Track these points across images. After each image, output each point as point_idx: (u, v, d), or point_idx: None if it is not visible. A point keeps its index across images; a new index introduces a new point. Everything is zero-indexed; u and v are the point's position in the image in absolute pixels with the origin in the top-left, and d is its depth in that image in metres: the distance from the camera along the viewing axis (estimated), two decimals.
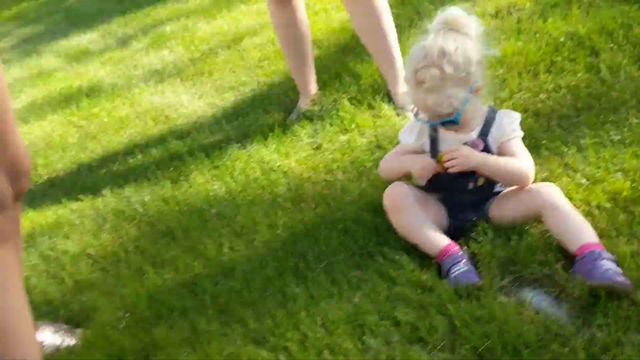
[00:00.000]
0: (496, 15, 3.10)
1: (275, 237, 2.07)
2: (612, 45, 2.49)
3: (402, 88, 2.66)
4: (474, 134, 1.84)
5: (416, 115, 1.90)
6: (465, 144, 1.82)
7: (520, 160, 1.81)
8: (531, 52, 2.61)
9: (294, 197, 2.26)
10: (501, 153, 1.83)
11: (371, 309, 1.63)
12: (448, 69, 1.72)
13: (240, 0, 4.97)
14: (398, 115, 2.57)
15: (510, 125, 1.84)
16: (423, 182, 1.88)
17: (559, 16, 2.82)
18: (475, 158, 1.77)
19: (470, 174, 1.81)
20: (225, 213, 2.30)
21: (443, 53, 1.73)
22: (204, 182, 2.57)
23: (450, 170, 1.78)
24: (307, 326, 1.63)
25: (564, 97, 2.31)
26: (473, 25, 1.81)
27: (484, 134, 1.84)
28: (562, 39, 2.63)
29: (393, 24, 2.67)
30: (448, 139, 1.85)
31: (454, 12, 1.81)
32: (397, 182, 1.91)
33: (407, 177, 1.94)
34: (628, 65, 2.35)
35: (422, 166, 1.85)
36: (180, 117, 3.28)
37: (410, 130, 1.95)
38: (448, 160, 1.77)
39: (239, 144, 2.75)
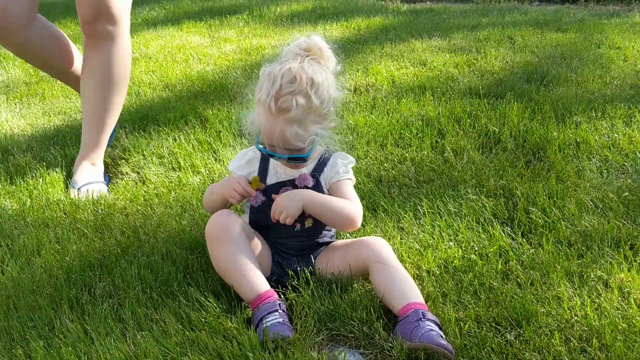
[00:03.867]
0: (354, 90, 3.25)
1: (60, 264, 1.81)
2: (458, 130, 2.60)
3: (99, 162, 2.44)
4: (305, 170, 1.70)
5: (260, 146, 1.66)
6: (293, 180, 1.68)
7: (349, 202, 1.68)
8: (381, 125, 2.68)
9: (98, 225, 2.02)
10: (331, 193, 1.71)
11: (156, 352, 1.40)
12: (316, 101, 1.56)
13: None
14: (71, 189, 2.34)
15: (343, 166, 1.73)
16: (235, 203, 1.68)
17: (413, 99, 2.99)
18: (297, 201, 1.61)
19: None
20: (6, 231, 2.02)
21: (312, 82, 1.56)
22: None
23: (284, 222, 1.60)
24: None
25: (407, 168, 2.32)
26: (333, 60, 1.67)
27: (317, 172, 1.71)
28: (412, 119, 2.73)
29: (126, 87, 2.47)
30: (279, 171, 1.70)
31: (318, 41, 1.65)
32: (226, 210, 1.69)
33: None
34: (471, 150, 2.43)
35: (233, 186, 1.65)
36: None
37: (240, 158, 1.77)
38: (276, 216, 1.60)
39: (50, 165, 2.51)
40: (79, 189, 2.32)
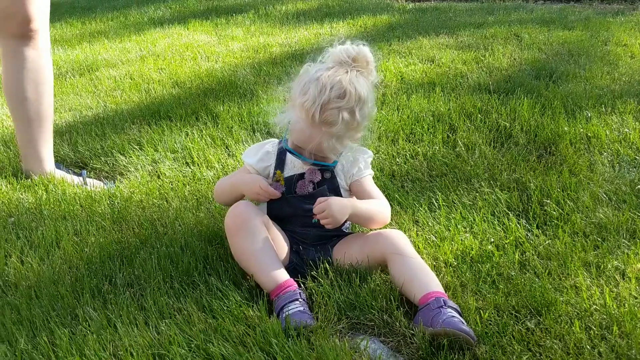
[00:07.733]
0: None
1: (80, 255, 1.81)
2: (469, 125, 2.60)
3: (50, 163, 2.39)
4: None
5: (288, 147, 1.69)
6: (303, 173, 1.70)
7: (382, 205, 1.72)
8: (392, 121, 2.68)
9: (115, 218, 2.03)
10: (355, 189, 1.74)
11: (180, 340, 1.40)
12: (359, 118, 1.59)
13: (105, 36, 5.09)
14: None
15: (364, 161, 1.75)
16: (263, 201, 1.70)
17: (423, 95, 3.00)
18: (346, 214, 1.61)
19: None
20: (25, 223, 2.03)
21: (360, 99, 1.57)
22: (7, 190, 2.30)
23: (327, 227, 1.60)
24: (93, 352, 1.38)
25: (420, 163, 2.33)
26: (375, 75, 1.67)
27: (332, 165, 1.72)
28: (423, 114, 2.74)
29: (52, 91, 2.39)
30: (296, 165, 1.72)
31: (367, 53, 1.64)
32: (244, 202, 1.70)
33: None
34: (483, 144, 2.44)
35: (257, 191, 1.67)
36: (2, 128, 3.00)
37: (256, 151, 1.78)
38: (320, 217, 1.59)
39: (64, 160, 2.56)
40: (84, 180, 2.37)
